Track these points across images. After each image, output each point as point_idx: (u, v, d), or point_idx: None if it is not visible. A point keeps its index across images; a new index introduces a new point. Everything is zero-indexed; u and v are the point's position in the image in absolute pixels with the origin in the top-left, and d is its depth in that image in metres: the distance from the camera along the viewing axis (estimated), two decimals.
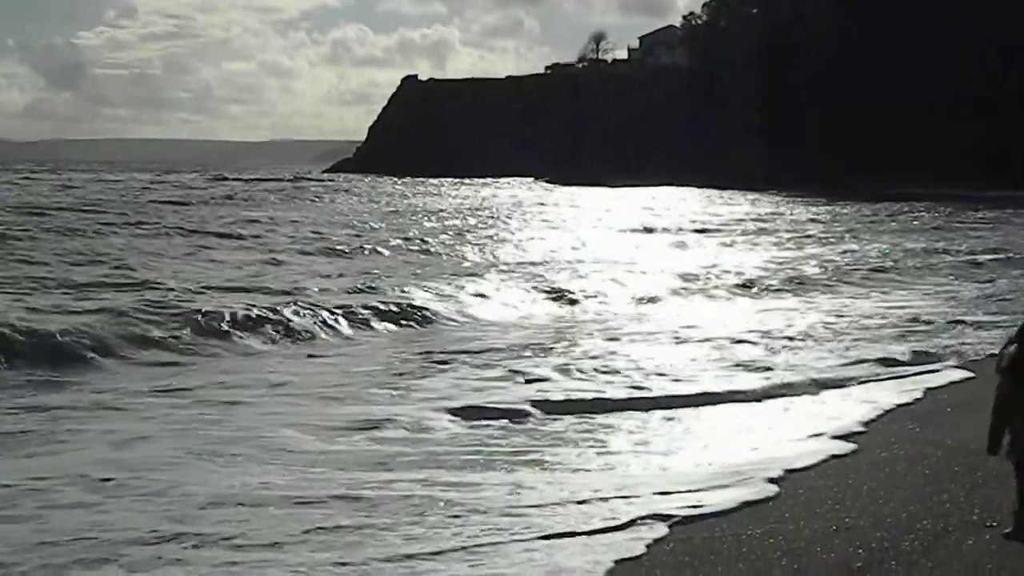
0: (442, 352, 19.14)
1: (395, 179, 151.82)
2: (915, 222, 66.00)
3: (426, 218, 62.68)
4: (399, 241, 43.82)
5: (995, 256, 40.31)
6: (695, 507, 9.74)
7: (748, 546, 8.53)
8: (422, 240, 44.70)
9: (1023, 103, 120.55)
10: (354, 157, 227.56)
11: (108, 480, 10.54)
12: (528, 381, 16.18)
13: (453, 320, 23.55)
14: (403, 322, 22.68)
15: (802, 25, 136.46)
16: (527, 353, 19.00)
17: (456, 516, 9.51)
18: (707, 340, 20.53)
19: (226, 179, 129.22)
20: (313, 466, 11.24)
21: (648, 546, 8.72)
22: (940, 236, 52.25)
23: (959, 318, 23.67)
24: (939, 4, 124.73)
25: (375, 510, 9.70)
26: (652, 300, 27.58)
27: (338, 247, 40.60)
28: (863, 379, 16.66)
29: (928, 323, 23.05)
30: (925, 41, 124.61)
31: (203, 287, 25.99)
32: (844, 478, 10.59)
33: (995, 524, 8.58)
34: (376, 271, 32.55)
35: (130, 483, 10.46)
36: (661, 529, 9.14)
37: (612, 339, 20.89)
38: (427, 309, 23.86)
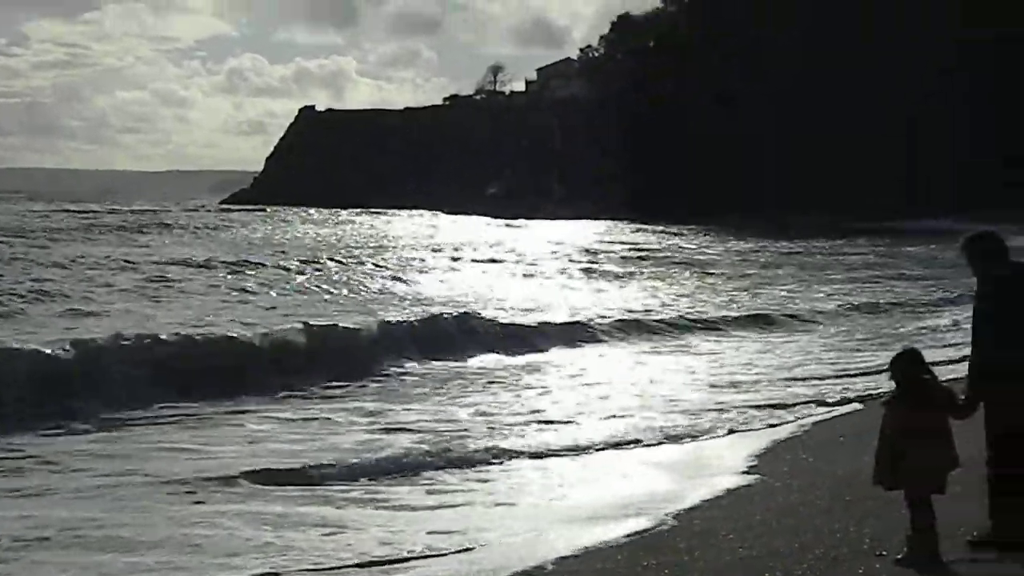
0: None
1: (295, 210, 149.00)
2: (818, 258, 63.75)
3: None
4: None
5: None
6: (586, 540, 9.66)
7: None
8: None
9: (944, 130, 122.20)
10: (251, 188, 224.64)
11: None
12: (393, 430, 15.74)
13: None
14: None
15: (703, 56, 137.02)
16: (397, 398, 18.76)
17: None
18: (590, 385, 20.33)
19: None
20: (134, 505, 11.17)
21: None
22: (834, 278, 52.06)
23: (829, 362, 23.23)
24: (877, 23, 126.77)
25: (196, 552, 9.61)
26: (538, 346, 25.81)
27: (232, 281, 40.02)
28: (752, 418, 16.58)
29: (813, 366, 22.72)
30: (850, 68, 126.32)
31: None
32: (738, 509, 10.60)
33: (884, 553, 8.56)
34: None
35: None
36: (549, 564, 9.04)
37: (489, 385, 20.48)
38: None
